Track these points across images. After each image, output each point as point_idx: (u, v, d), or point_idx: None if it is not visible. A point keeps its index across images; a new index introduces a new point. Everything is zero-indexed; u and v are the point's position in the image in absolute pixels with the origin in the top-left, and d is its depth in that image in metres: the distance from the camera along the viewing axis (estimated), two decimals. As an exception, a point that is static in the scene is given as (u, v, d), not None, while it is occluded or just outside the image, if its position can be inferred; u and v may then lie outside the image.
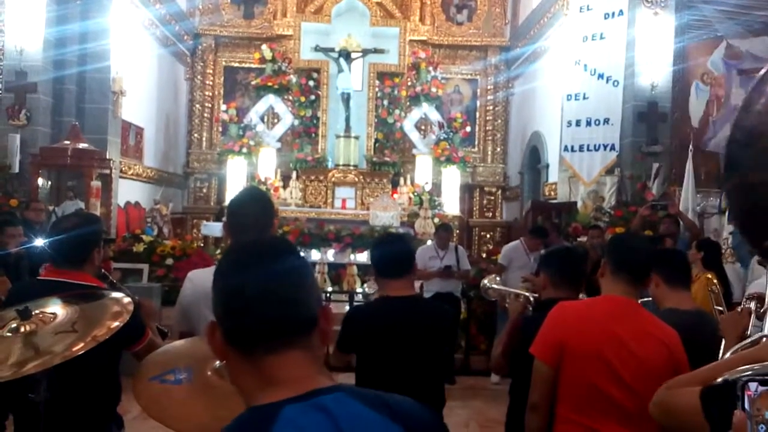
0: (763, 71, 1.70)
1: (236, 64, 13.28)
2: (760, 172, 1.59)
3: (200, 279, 2.37)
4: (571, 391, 2.29)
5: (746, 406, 0.93)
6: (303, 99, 12.24)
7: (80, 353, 1.85)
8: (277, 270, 1.05)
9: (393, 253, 2.70)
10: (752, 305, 2.22)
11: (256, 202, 2.38)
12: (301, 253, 1.15)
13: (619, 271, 2.40)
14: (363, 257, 9.73)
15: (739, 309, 2.41)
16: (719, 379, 1.35)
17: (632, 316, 2.35)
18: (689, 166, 7.52)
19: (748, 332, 2.13)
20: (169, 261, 8.62)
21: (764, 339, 1.59)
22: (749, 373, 1.30)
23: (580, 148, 8.70)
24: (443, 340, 2.70)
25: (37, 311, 1.96)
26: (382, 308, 2.74)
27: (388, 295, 2.69)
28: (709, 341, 2.39)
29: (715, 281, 3.84)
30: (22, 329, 1.89)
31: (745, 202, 1.67)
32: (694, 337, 2.40)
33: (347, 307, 7.16)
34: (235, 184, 11.15)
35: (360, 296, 8.24)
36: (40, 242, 4.46)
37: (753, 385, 0.93)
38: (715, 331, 2.65)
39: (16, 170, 7.77)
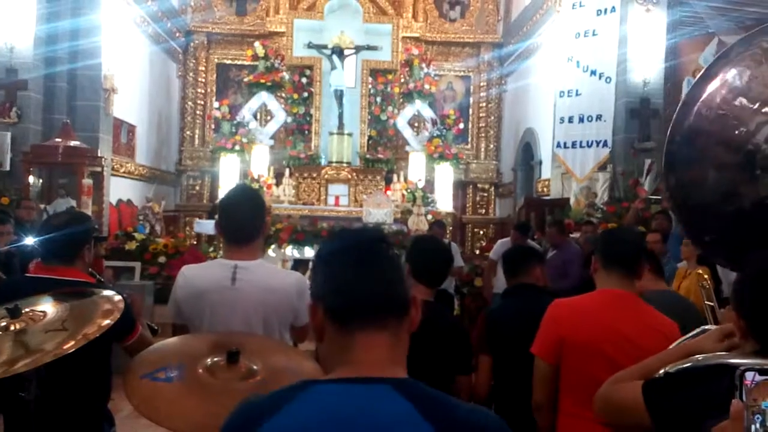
0: (702, 70, 1.72)
1: (229, 61, 13.24)
2: (693, 170, 1.64)
3: (193, 274, 2.37)
4: (574, 385, 2.31)
5: (743, 395, 0.93)
6: (296, 96, 12.22)
7: (70, 351, 1.84)
8: (374, 251, 1.15)
9: (439, 265, 2.74)
10: None
11: (247, 202, 2.38)
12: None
13: (610, 265, 2.42)
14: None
15: None
16: (660, 372, 1.42)
17: (629, 308, 2.36)
18: (681, 162, 7.54)
19: None
20: (162, 259, 8.59)
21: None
22: (688, 365, 1.38)
23: (573, 145, 8.72)
24: (449, 350, 2.65)
25: (26, 309, 1.94)
26: None
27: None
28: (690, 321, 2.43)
29: (705, 277, 3.86)
30: (12, 328, 1.88)
31: (683, 199, 1.72)
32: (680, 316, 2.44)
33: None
34: (228, 182, 11.12)
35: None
36: (31, 240, 4.44)
37: (750, 375, 0.93)
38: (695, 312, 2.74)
39: (7, 168, 7.73)
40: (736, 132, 1.51)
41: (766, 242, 1.45)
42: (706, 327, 1.65)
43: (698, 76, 1.72)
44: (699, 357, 1.39)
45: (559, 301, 2.47)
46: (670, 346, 1.63)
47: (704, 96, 1.62)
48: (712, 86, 1.62)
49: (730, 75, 1.59)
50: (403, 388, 1.05)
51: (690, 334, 1.68)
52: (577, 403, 2.29)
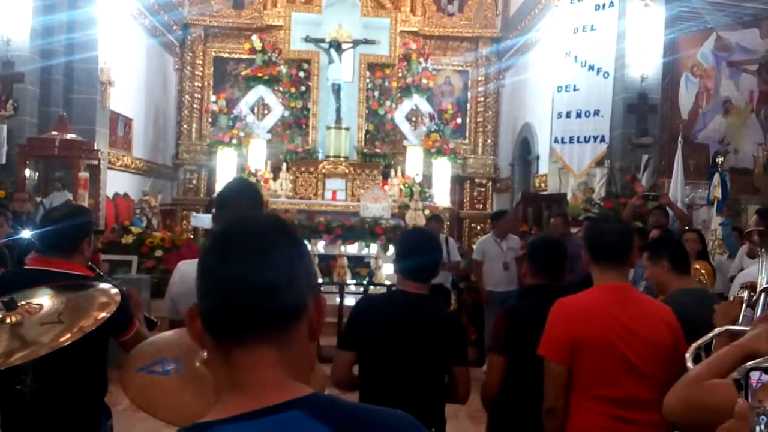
0: None
1: (226, 55, 13.20)
2: None
3: (190, 269, 2.36)
4: (587, 383, 2.31)
5: (749, 395, 0.91)
6: (293, 90, 12.18)
7: (67, 344, 1.83)
8: (256, 250, 0.94)
9: (425, 262, 2.68)
10: (745, 294, 2.22)
11: (245, 195, 2.38)
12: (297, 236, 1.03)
13: (599, 259, 2.42)
14: (353, 249, 9.74)
15: (731, 298, 2.43)
16: (739, 373, 1.33)
17: (630, 300, 2.38)
18: (678, 157, 7.56)
19: (740, 321, 2.13)
20: (159, 252, 8.59)
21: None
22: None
23: (571, 140, 8.72)
24: (445, 341, 2.62)
25: (22, 302, 1.94)
26: (397, 299, 2.76)
27: (404, 290, 2.70)
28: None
29: (703, 271, 3.87)
30: (8, 320, 1.87)
31: None
32: (704, 313, 2.43)
33: (337, 299, 7.17)
34: (225, 176, 11.10)
35: (351, 287, 8.25)
36: (27, 233, 4.43)
37: (756, 374, 0.91)
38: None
39: (4, 161, 7.71)
40: None
41: None
42: (724, 328, 1.62)
43: None
44: None
45: (564, 300, 2.44)
46: (691, 349, 1.59)
47: None
48: None
49: None
50: (315, 410, 0.89)
51: (710, 336, 1.65)
52: (590, 399, 2.30)
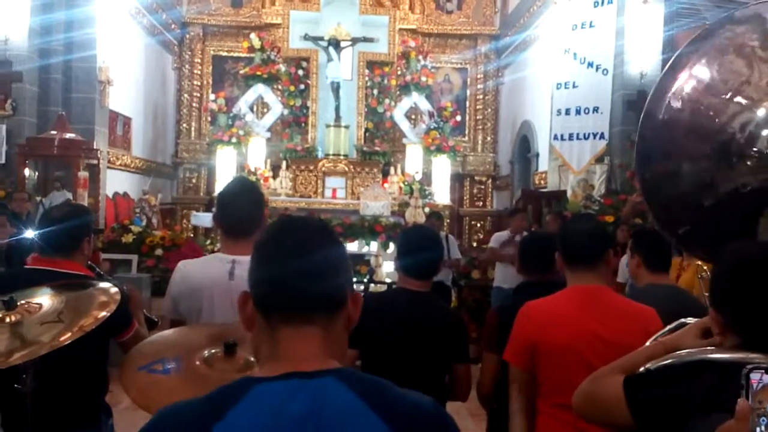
0: (669, 62, 1.68)
1: (224, 54, 13.19)
2: (667, 163, 1.59)
3: (190, 269, 2.35)
4: (549, 389, 2.24)
5: (749, 396, 0.91)
6: (292, 88, 12.19)
7: (67, 343, 1.83)
8: (306, 243, 1.09)
9: (426, 259, 2.66)
10: None
11: (246, 195, 2.37)
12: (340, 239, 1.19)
13: (570, 260, 2.31)
14: (353, 247, 9.73)
15: None
16: (642, 369, 1.38)
17: (602, 304, 2.24)
18: (678, 154, 7.54)
19: None
20: (159, 251, 8.58)
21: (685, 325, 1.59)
22: (669, 361, 1.34)
23: (570, 137, 8.71)
24: (446, 338, 2.60)
25: (22, 301, 1.94)
26: (398, 297, 2.75)
27: (405, 288, 2.69)
28: (687, 314, 2.38)
29: (705, 267, 3.86)
30: (8, 320, 1.87)
31: (657, 193, 1.67)
32: (673, 309, 2.39)
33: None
34: (224, 174, 11.10)
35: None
36: (31, 233, 4.43)
37: (757, 375, 0.91)
38: (693, 303, 2.68)
39: (3, 161, 7.71)
40: (710, 122, 1.49)
41: (742, 232, 1.42)
42: (684, 320, 1.61)
43: (665, 69, 1.68)
44: (683, 353, 1.34)
45: (530, 303, 2.35)
46: (649, 340, 1.59)
47: (673, 88, 1.60)
48: (681, 78, 1.58)
49: (698, 66, 1.57)
50: (346, 378, 1.04)
51: (668, 327, 1.65)
52: (553, 406, 2.23)
